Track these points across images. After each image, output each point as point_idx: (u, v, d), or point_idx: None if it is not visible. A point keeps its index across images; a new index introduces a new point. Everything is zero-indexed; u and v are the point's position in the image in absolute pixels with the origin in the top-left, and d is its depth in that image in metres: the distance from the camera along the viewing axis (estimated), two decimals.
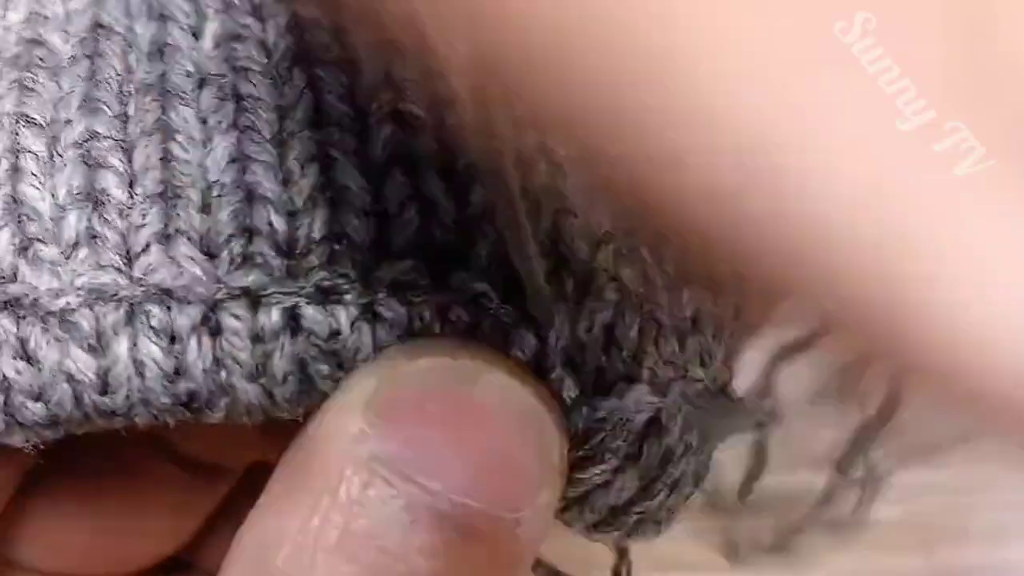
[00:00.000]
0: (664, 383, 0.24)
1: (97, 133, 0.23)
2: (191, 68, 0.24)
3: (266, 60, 0.24)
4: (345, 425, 0.22)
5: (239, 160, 0.23)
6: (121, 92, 0.24)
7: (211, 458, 0.29)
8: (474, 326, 0.23)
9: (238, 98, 0.24)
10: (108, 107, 0.24)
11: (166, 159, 0.23)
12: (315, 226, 0.23)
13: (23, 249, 0.23)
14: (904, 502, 0.37)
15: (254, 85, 0.24)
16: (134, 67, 0.24)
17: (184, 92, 0.24)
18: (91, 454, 0.27)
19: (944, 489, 0.37)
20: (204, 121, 0.23)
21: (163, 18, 0.25)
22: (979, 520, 0.37)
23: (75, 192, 0.23)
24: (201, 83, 0.24)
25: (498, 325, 0.23)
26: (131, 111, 0.24)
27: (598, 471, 0.24)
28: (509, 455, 0.22)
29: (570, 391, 0.23)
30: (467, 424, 0.22)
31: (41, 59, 0.24)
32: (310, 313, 0.22)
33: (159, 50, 0.25)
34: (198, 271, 0.22)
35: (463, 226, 0.23)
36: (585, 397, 0.23)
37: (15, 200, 0.23)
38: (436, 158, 0.23)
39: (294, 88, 0.24)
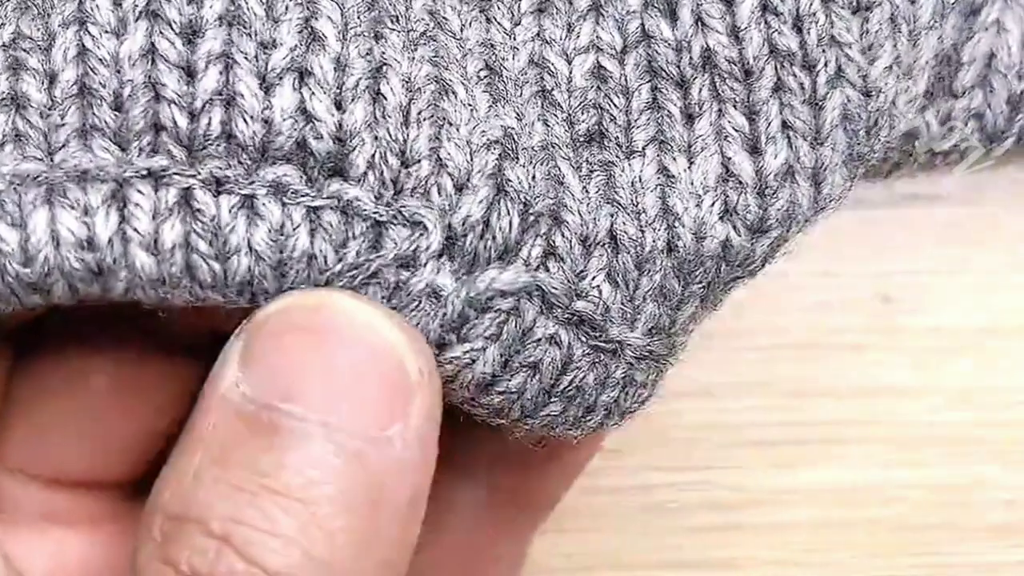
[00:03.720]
0: (537, 267, 0.26)
1: (22, 32, 0.26)
2: None
3: None
4: (224, 377, 0.25)
5: (149, 53, 0.25)
6: None
7: (181, 332, 0.30)
8: (346, 228, 0.25)
9: None
10: (35, 5, 0.26)
11: (81, 54, 0.25)
12: (212, 125, 0.25)
13: None
14: None
15: None
16: None
17: None
18: (79, 344, 0.29)
19: None
20: (117, 6, 0.26)
21: None
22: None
23: (1, 96, 0.26)
24: None
25: (372, 225, 0.25)
26: (55, 4, 0.26)
27: (464, 350, 0.26)
28: (360, 371, 0.24)
29: (444, 279, 0.25)
30: (316, 348, 0.24)
31: None
32: (200, 196, 0.25)
33: None
34: (111, 159, 0.25)
35: (342, 138, 0.25)
36: (462, 282, 0.26)
37: None
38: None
39: None
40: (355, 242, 0.25)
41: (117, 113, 0.25)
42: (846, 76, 0.27)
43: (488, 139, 0.26)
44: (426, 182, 0.25)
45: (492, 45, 0.27)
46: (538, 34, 0.27)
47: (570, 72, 0.27)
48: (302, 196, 0.25)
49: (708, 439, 0.37)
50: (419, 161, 0.25)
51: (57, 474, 0.29)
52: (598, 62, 0.27)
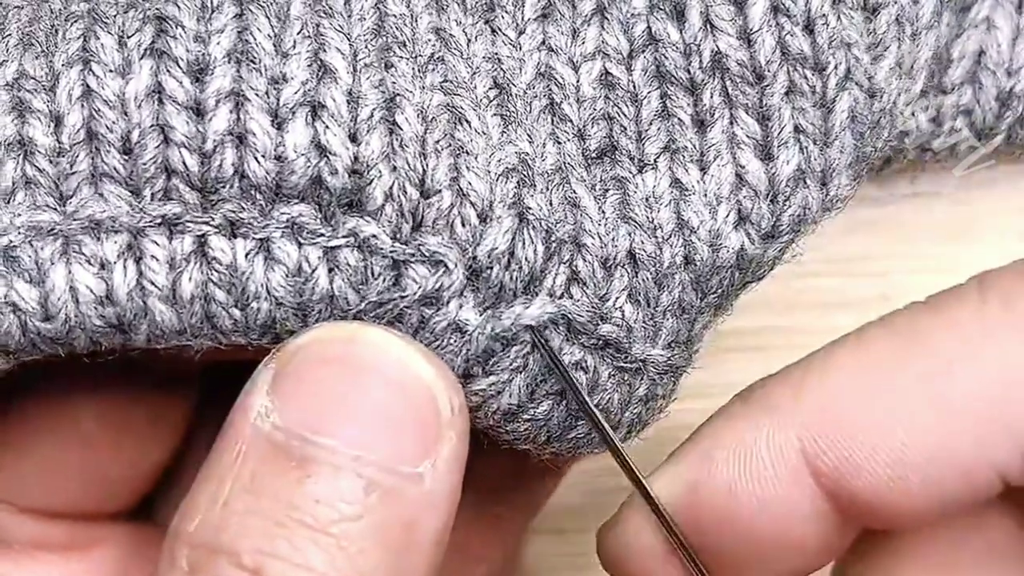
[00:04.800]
0: (562, 295, 0.26)
1: (25, 72, 0.25)
2: None
3: None
4: (252, 405, 0.24)
5: (155, 93, 0.25)
6: (53, 27, 0.26)
7: (171, 368, 0.30)
8: (365, 266, 0.25)
9: (160, 19, 0.25)
10: (38, 42, 0.26)
11: (86, 95, 0.25)
12: (225, 166, 0.25)
13: None
14: None
15: (178, 7, 0.25)
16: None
17: (107, 17, 0.25)
18: (69, 385, 0.29)
19: None
20: (122, 45, 0.25)
21: None
22: None
23: (7, 141, 0.25)
24: (127, 8, 0.26)
25: (391, 264, 0.25)
26: (58, 42, 0.25)
27: (490, 382, 0.26)
28: (393, 406, 0.24)
29: (468, 314, 0.25)
30: (348, 381, 0.24)
31: None
32: (215, 242, 0.25)
33: None
34: (124, 206, 0.25)
35: (358, 171, 0.25)
36: (486, 317, 0.25)
37: None
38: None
39: (223, 14, 0.25)
40: (376, 281, 0.25)
41: (127, 158, 0.25)
42: (853, 77, 0.27)
43: (505, 167, 0.26)
44: (448, 214, 0.25)
45: (499, 59, 0.27)
46: (543, 42, 0.27)
47: (577, 81, 0.27)
48: (318, 236, 0.25)
49: None
50: (439, 191, 0.25)
51: (49, 508, 0.30)
52: (605, 68, 0.27)
